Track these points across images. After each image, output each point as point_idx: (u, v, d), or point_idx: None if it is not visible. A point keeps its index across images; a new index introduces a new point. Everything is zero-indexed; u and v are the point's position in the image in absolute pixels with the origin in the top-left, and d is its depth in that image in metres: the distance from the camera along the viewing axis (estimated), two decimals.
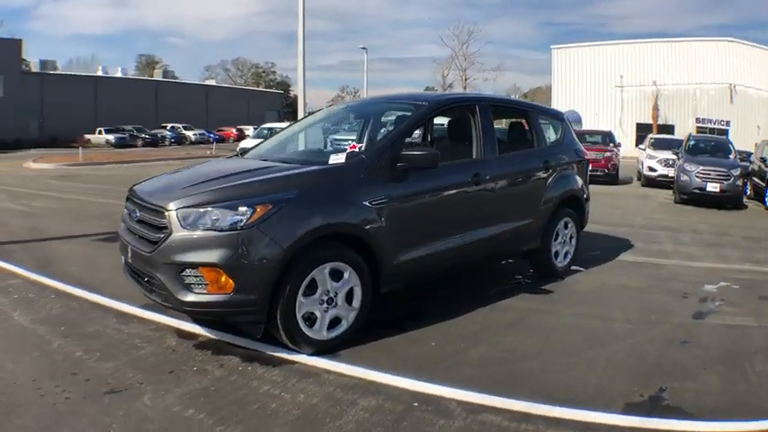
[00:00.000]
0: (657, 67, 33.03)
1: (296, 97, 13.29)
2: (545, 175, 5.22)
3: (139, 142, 37.23)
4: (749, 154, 16.74)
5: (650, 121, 32.84)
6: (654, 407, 2.96)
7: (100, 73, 49.58)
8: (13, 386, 2.99)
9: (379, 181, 3.76)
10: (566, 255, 5.55)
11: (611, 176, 16.13)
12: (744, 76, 32.27)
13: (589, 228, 6.83)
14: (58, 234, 7.19)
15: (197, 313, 3.45)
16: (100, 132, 37.04)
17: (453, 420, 2.74)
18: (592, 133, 19.81)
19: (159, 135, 40.43)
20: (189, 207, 3.32)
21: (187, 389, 3.00)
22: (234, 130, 45.66)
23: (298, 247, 3.29)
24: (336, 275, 3.50)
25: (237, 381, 3.12)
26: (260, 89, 70.04)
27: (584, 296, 4.94)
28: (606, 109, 33.87)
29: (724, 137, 20.73)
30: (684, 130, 25.60)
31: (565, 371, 3.37)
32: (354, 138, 4.96)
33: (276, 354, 3.44)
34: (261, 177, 3.64)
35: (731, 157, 13.32)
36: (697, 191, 12.02)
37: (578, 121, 33.80)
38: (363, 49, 36.54)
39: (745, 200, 13.07)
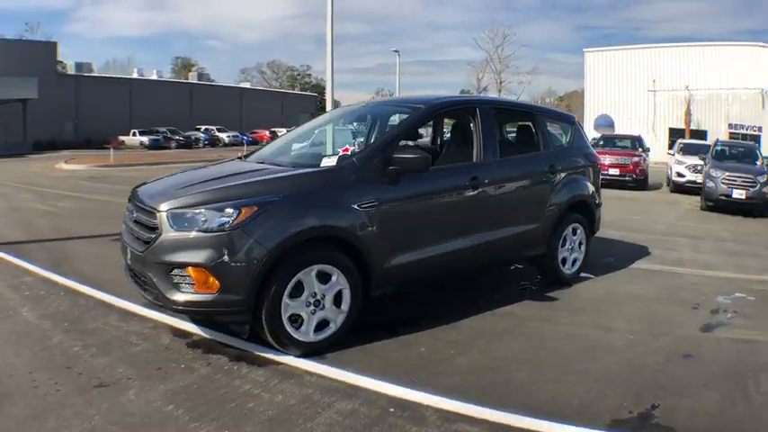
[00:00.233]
0: (690, 72, 32.00)
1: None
2: (551, 179, 5.09)
3: (173, 144, 37.86)
4: None
5: (683, 126, 31.82)
6: (642, 425, 2.80)
7: (135, 75, 50.50)
8: (10, 377, 3.15)
9: (371, 184, 3.74)
10: (574, 261, 5.39)
11: (639, 182, 15.73)
12: None
13: (607, 234, 6.64)
14: (77, 234, 7.44)
15: (185, 312, 3.51)
16: (134, 134, 37.86)
17: (426, 428, 2.70)
18: (621, 137, 19.40)
19: (193, 137, 40.98)
20: (179, 208, 3.39)
21: (171, 385, 3.06)
22: (267, 133, 46.23)
23: (283, 249, 3.31)
24: (324, 278, 3.51)
25: (221, 379, 3.17)
26: (294, 92, 70.61)
27: (589, 304, 4.80)
28: (639, 113, 32.96)
29: (753, 143, 19.99)
30: (717, 135, 24.67)
31: (553, 382, 3.26)
32: (354, 141, 4.97)
33: (264, 354, 3.48)
34: (250, 180, 3.69)
35: (758, 163, 12.86)
36: (723, 197, 11.62)
37: (611, 125, 33.07)
38: (396, 51, 36.55)
39: None
